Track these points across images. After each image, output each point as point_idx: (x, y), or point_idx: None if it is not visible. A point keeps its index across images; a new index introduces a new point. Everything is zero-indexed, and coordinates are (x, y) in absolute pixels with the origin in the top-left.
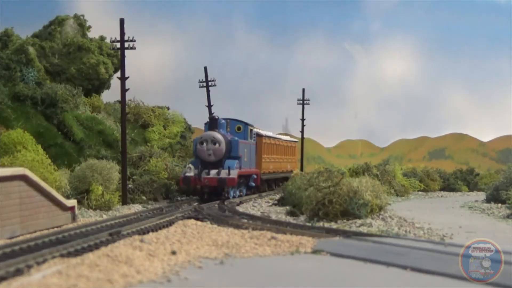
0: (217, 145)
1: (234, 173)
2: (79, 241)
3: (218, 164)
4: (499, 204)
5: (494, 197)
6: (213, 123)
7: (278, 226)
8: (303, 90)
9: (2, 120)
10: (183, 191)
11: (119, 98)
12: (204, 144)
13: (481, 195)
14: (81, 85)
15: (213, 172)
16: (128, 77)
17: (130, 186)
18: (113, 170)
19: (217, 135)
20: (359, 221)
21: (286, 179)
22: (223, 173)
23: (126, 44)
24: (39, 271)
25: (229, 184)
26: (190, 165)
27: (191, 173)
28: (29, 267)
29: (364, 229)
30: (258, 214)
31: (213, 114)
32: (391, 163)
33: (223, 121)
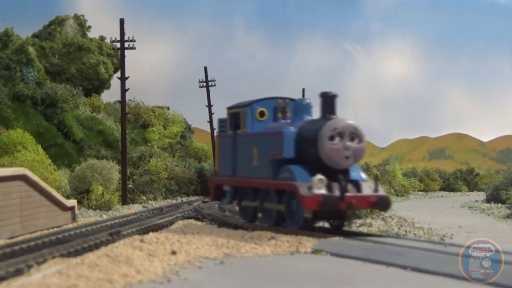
0: (356, 141)
1: (380, 187)
2: (79, 241)
3: (344, 174)
4: (499, 204)
5: (494, 197)
6: (330, 103)
7: (278, 226)
8: (303, 90)
9: (2, 120)
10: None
11: (119, 98)
12: (337, 139)
13: (481, 195)
14: (81, 85)
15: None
16: (128, 77)
17: (130, 186)
18: (113, 170)
19: (359, 126)
20: (359, 221)
21: None
22: (366, 188)
23: (126, 44)
24: (39, 271)
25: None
26: (321, 176)
27: (321, 190)
28: (29, 267)
29: (364, 229)
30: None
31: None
32: (391, 163)
33: (308, 101)
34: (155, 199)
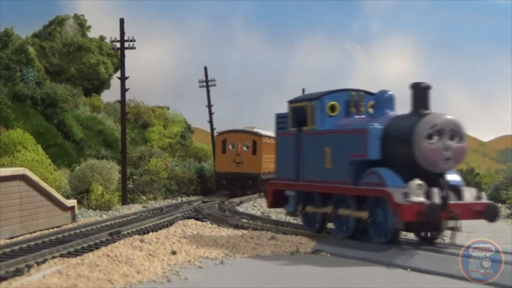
0: (456, 140)
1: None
2: (79, 241)
3: (438, 177)
4: (499, 204)
5: (494, 197)
6: (423, 96)
7: (278, 226)
8: (303, 90)
9: (2, 120)
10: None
11: (119, 98)
12: (435, 138)
13: None
14: (81, 85)
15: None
16: (128, 77)
17: (130, 186)
18: (113, 170)
19: (460, 122)
20: None
21: None
22: (468, 195)
23: (126, 44)
24: (39, 271)
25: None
26: (419, 181)
27: (420, 197)
28: (29, 267)
29: None
30: (258, 214)
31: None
32: None
33: (390, 93)
34: (155, 199)
